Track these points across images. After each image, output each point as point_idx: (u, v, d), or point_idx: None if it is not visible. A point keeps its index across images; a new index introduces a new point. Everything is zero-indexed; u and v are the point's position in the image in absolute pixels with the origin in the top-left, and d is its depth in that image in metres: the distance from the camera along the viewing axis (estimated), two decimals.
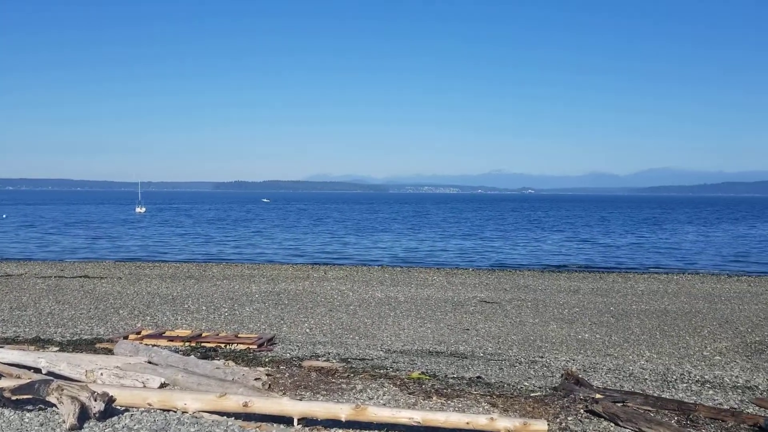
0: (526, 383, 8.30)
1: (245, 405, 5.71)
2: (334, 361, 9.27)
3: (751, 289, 22.86)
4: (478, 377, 8.52)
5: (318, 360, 9.22)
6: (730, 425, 6.13)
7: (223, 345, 10.24)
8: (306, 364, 8.52)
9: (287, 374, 7.71)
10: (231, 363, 7.96)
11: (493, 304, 18.89)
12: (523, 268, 31.85)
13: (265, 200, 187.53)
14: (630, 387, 8.71)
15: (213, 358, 8.56)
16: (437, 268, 30.43)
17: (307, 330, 14.44)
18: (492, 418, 5.45)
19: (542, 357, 11.65)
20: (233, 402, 5.77)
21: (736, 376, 10.37)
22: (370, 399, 6.65)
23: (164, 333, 11.36)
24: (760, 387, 9.49)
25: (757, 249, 44.20)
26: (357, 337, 13.66)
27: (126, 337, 10.43)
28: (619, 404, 6.50)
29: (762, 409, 6.58)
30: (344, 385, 7.26)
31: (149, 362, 7.62)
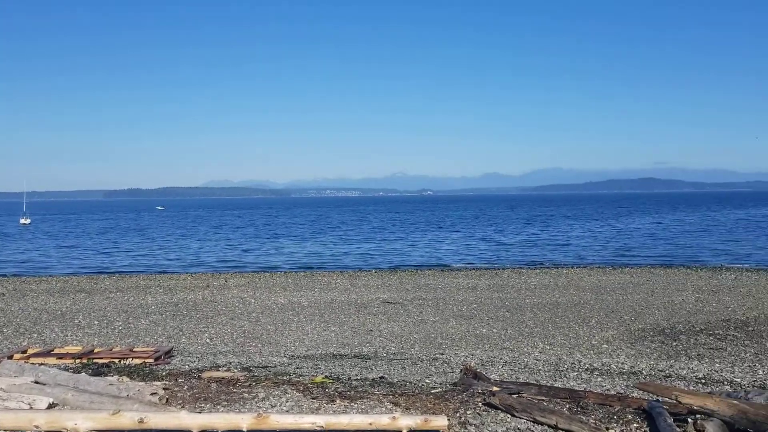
0: (427, 380, 8.48)
1: (141, 421, 5.49)
2: (235, 370, 9.08)
3: (633, 280, 24.43)
4: (381, 377, 8.61)
5: (218, 370, 9.00)
6: (616, 409, 6.52)
7: (117, 360, 9.79)
8: (206, 375, 8.29)
9: (186, 387, 7.48)
10: (125, 378, 7.62)
11: (395, 304, 19.14)
12: (424, 267, 32.48)
13: (159, 207, 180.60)
14: (525, 378, 9.09)
15: (106, 375, 8.16)
16: (340, 272, 30.48)
17: (207, 340, 14.07)
18: (394, 417, 5.53)
19: (443, 354, 11.94)
20: (128, 419, 5.53)
21: (622, 363, 11.06)
22: (272, 407, 6.57)
23: (53, 351, 10.71)
24: (643, 372, 10.17)
25: (638, 242, 47.26)
26: (260, 345, 13.45)
27: (10, 357, 9.75)
28: (514, 396, 6.77)
29: (645, 392, 7.03)
30: (246, 395, 7.13)
31: (36, 382, 7.16)
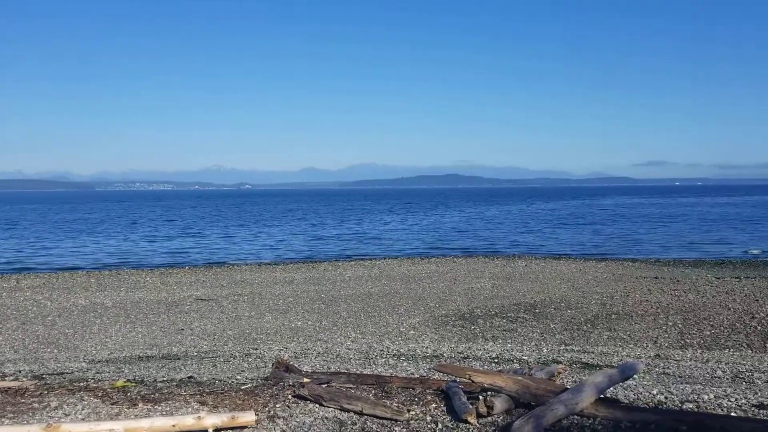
0: (238, 377, 8.36)
1: None
2: (24, 378, 8.27)
3: (439, 269, 26.03)
4: (190, 377, 8.34)
5: (5, 380, 8.14)
6: (418, 392, 6.92)
7: None
8: None
9: None
10: None
11: (209, 301, 18.61)
12: (241, 263, 31.89)
13: None
14: (336, 368, 9.31)
15: None
16: (150, 270, 28.91)
17: None
18: (199, 417, 5.40)
19: (257, 349, 11.85)
20: None
21: (426, 347, 11.76)
22: (66, 416, 6.09)
23: None
24: (444, 354, 10.89)
25: (444, 234, 50.39)
26: (56, 350, 12.38)
27: None
28: (324, 385, 6.92)
29: (443, 374, 7.53)
30: (36, 404, 6.54)
31: None
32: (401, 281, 22.35)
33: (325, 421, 5.86)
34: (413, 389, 7.04)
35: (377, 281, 22.50)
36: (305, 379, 7.18)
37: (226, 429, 5.53)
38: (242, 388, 7.00)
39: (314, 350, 11.49)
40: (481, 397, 6.19)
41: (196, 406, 6.20)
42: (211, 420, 5.38)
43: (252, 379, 7.94)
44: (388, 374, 8.35)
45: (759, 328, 13.88)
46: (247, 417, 5.50)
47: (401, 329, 14.37)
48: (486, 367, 9.66)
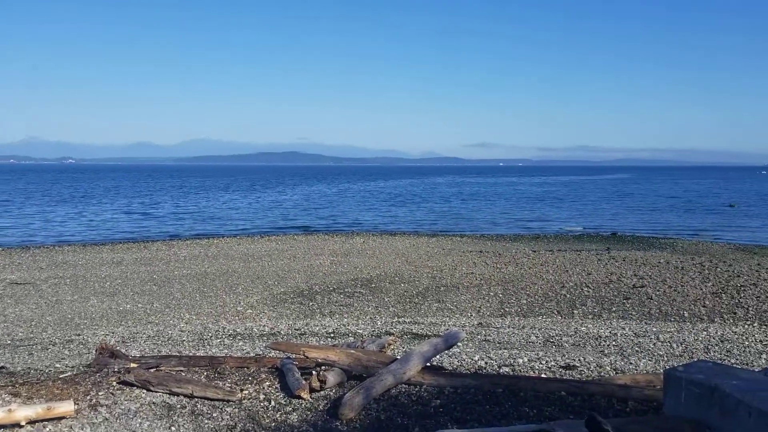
0: (58, 365, 7.80)
1: None
2: None
3: (279, 247, 25.91)
4: (2, 367, 7.66)
5: None
6: (252, 371, 6.89)
7: None
8: None
9: None
10: None
11: (25, 285, 17.08)
12: (63, 243, 29.49)
13: None
14: (168, 351, 9.00)
15: None
16: None
17: None
18: (10, 410, 4.99)
19: (79, 335, 11.10)
20: None
21: (264, 326, 11.71)
22: None
23: None
24: (282, 332, 10.92)
25: (286, 211, 50.13)
26: None
27: None
28: (153, 370, 6.67)
29: (278, 351, 7.56)
30: None
31: None
32: (240, 260, 21.96)
33: (153, 407, 5.67)
34: (248, 369, 7.00)
35: (214, 260, 21.91)
36: (132, 365, 6.87)
37: (43, 421, 5.17)
38: (61, 376, 6.55)
39: (144, 334, 11.00)
40: (314, 372, 6.31)
41: (7, 398, 5.72)
42: (24, 412, 5.00)
43: (73, 367, 7.46)
44: (223, 355, 8.23)
45: (568, 296, 15.39)
46: (65, 407, 5.17)
47: (238, 309, 14.16)
48: (323, 342, 9.84)
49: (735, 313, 13.29)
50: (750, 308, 13.72)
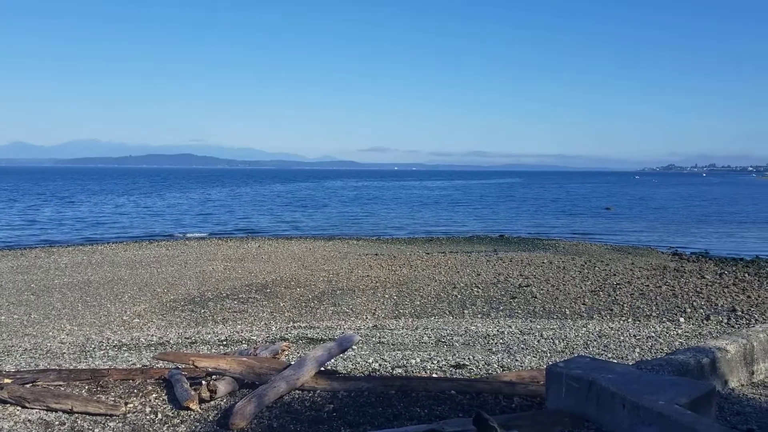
0: None
1: None
2: None
3: (169, 253, 24.98)
4: None
5: None
6: (138, 383, 6.61)
7: None
8: None
9: None
10: None
11: None
12: None
13: None
14: (47, 364, 8.47)
15: None
16: None
17: None
18: None
19: None
20: None
21: (152, 335, 11.25)
22: None
23: None
24: (171, 341, 10.55)
25: (177, 216, 48.41)
26: None
27: None
28: (29, 385, 6.26)
29: (166, 362, 7.30)
30: None
31: None
32: (126, 267, 20.98)
33: (28, 425, 5.32)
34: (133, 381, 6.72)
35: (98, 268, 20.81)
36: (6, 380, 6.41)
37: None
38: None
39: (20, 347, 10.28)
40: (203, 382, 6.15)
41: None
42: None
43: None
44: (106, 367, 7.85)
45: (459, 296, 15.86)
46: None
47: (124, 318, 13.53)
48: (215, 350, 9.59)
49: (612, 310, 14.20)
50: (625, 305, 14.70)
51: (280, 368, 6.35)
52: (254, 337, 10.90)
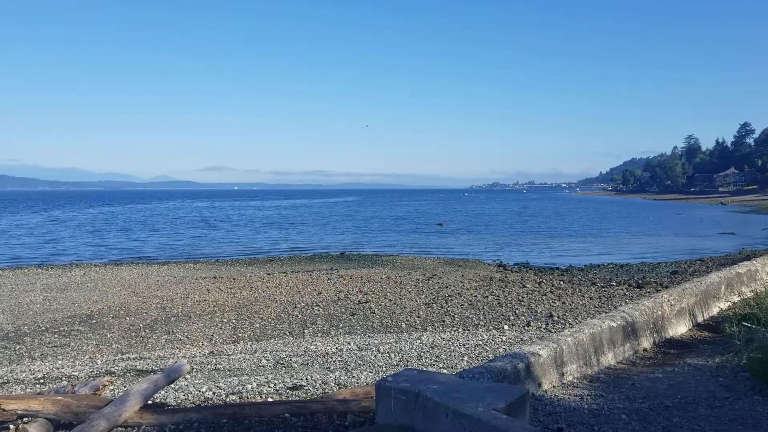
0: None
1: None
2: None
3: None
4: None
5: None
6: None
7: None
8: None
9: None
10: None
11: None
12: None
13: None
14: None
15: None
16: None
17: None
18: None
19: None
20: None
21: None
22: None
23: None
24: None
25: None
26: None
27: None
28: None
29: None
30: None
31: None
32: None
33: None
34: None
35: None
36: None
37: None
38: None
39: None
40: (11, 426, 5.61)
41: None
42: None
43: None
44: None
45: (300, 316, 15.83)
46: None
47: None
48: (30, 390, 8.76)
49: (444, 321, 14.90)
50: (456, 315, 15.50)
51: (100, 405, 5.94)
52: (76, 373, 10.11)
